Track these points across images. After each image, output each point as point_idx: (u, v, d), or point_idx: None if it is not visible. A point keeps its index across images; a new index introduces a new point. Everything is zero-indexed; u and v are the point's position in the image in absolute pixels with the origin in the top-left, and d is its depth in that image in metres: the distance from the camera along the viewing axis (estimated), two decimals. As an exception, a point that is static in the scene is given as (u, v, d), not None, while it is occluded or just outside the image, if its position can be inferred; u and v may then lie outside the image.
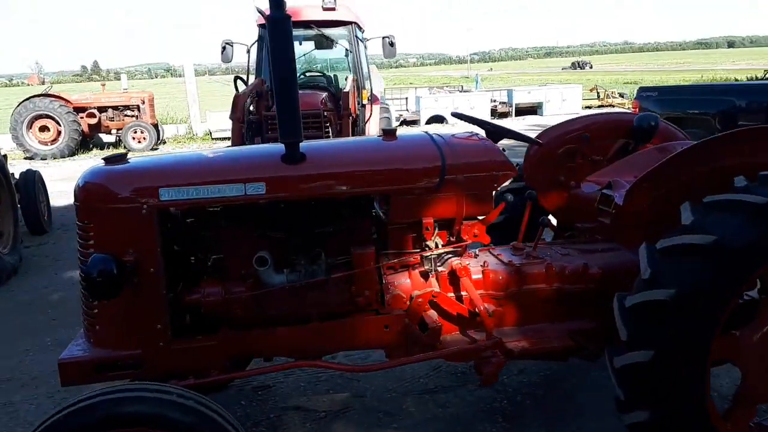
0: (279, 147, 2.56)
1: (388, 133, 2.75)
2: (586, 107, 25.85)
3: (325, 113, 6.77)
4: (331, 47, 8.50)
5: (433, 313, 2.69)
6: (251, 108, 6.87)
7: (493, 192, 2.65)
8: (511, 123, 21.94)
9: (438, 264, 2.73)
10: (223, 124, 16.06)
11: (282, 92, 2.38)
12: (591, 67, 65.72)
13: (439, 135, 2.73)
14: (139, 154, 11.84)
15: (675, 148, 3.17)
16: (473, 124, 3.05)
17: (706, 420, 2.28)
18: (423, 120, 22.18)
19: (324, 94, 7.40)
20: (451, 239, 2.76)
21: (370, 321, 2.63)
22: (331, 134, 6.83)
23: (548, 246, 3.18)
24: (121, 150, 15.10)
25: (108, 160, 2.53)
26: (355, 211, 2.67)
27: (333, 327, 2.60)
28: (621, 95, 27.77)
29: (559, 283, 2.84)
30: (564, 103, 24.55)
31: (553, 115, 23.41)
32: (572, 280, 2.83)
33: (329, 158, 2.59)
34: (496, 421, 3.10)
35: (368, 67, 8.23)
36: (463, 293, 2.74)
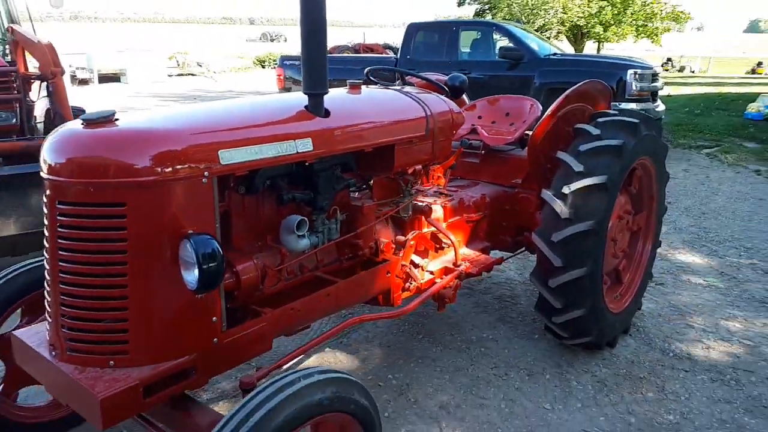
0: (295, 98, 2.42)
1: (354, 86, 2.83)
2: (169, 75, 25.71)
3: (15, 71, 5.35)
4: None
5: (417, 253, 2.99)
6: None
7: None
8: (96, 92, 20.05)
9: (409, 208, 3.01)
10: None
11: (310, 39, 2.26)
12: (286, 40, 55.41)
13: (401, 89, 2.97)
14: None
15: (501, 101, 4.13)
16: (400, 74, 3.32)
17: (604, 302, 3.33)
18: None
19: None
20: (410, 184, 3.07)
21: (379, 270, 2.77)
22: (21, 100, 5.44)
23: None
24: None
25: (93, 120, 1.93)
26: (360, 164, 2.71)
27: (355, 282, 2.66)
28: (199, 65, 28.43)
29: (468, 213, 3.47)
30: (150, 70, 23.72)
31: (139, 83, 22.48)
32: (476, 209, 3.51)
33: (347, 111, 2.56)
34: (420, 339, 3.61)
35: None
36: (431, 230, 3.11)
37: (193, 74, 27.16)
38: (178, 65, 27.70)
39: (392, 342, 3.56)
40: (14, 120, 5.47)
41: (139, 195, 1.88)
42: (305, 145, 2.28)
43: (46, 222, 1.98)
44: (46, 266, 2.01)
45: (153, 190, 1.89)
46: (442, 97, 3.07)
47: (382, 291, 2.86)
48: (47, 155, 1.92)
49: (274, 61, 31.78)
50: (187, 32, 76.50)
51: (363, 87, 2.87)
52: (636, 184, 3.66)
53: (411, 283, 2.96)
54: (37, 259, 2.55)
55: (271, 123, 2.27)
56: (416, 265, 2.97)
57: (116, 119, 1.99)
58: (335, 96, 2.61)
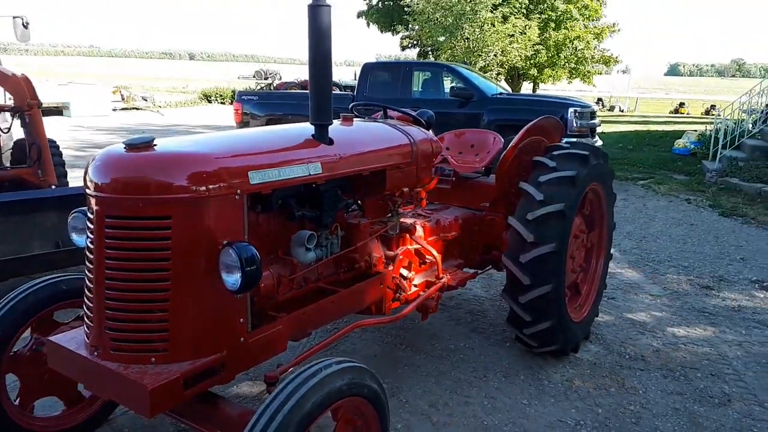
0: (303, 128, 2.71)
1: (347, 119, 3.16)
2: (113, 109, 25.36)
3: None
4: None
5: (402, 267, 3.30)
6: None
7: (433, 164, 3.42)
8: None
9: (397, 226, 3.33)
10: None
11: (317, 75, 2.58)
12: (281, 78, 43.87)
13: (388, 121, 3.32)
14: None
15: (466, 134, 4.53)
16: (378, 107, 3.65)
17: (567, 313, 3.69)
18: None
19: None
20: (398, 205, 3.39)
21: (373, 282, 3.06)
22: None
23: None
24: None
25: (135, 145, 2.16)
26: (356, 186, 3.01)
27: (354, 292, 2.94)
28: (144, 99, 28.21)
29: (444, 232, 3.82)
30: (93, 103, 23.34)
31: (82, 116, 22.09)
32: (451, 230, 3.86)
33: (347, 140, 2.87)
34: (403, 349, 3.91)
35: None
36: (416, 246, 3.43)
37: (138, 108, 26.86)
38: (123, 99, 27.33)
39: (378, 352, 3.82)
40: (-12, 151, 5.53)
41: (183, 209, 2.11)
42: (316, 169, 2.58)
43: (91, 235, 2.19)
44: (89, 275, 2.20)
45: (195, 205, 2.13)
46: (422, 129, 3.43)
47: (376, 300, 3.15)
48: (94, 175, 2.13)
49: (221, 96, 31.87)
50: (125, 66, 75.47)
51: (355, 119, 3.20)
52: (588, 207, 4.11)
53: (400, 294, 3.26)
54: (41, 280, 2.70)
55: (288, 149, 2.56)
56: (404, 278, 3.28)
57: (155, 144, 2.23)
58: (334, 127, 2.91)
